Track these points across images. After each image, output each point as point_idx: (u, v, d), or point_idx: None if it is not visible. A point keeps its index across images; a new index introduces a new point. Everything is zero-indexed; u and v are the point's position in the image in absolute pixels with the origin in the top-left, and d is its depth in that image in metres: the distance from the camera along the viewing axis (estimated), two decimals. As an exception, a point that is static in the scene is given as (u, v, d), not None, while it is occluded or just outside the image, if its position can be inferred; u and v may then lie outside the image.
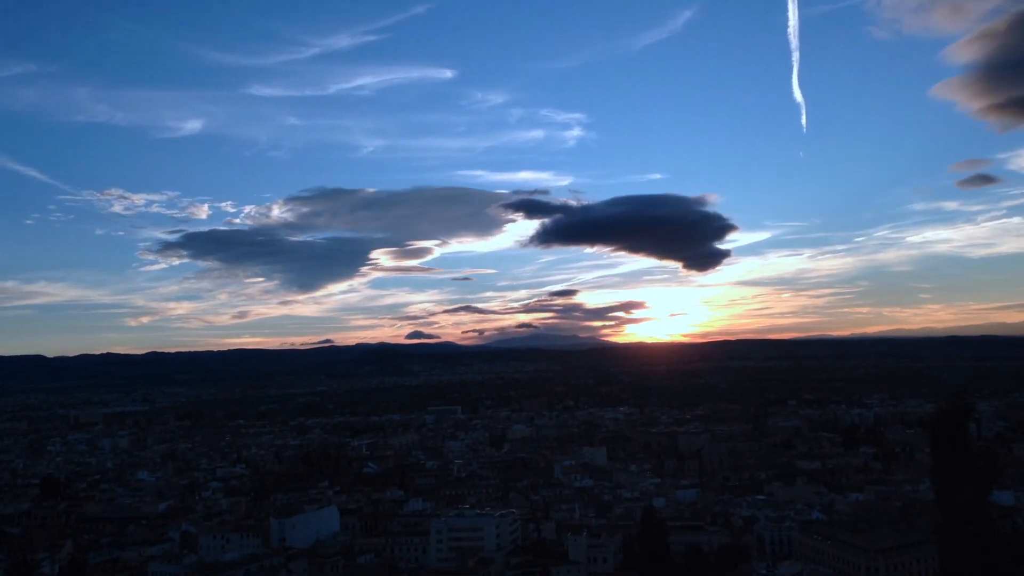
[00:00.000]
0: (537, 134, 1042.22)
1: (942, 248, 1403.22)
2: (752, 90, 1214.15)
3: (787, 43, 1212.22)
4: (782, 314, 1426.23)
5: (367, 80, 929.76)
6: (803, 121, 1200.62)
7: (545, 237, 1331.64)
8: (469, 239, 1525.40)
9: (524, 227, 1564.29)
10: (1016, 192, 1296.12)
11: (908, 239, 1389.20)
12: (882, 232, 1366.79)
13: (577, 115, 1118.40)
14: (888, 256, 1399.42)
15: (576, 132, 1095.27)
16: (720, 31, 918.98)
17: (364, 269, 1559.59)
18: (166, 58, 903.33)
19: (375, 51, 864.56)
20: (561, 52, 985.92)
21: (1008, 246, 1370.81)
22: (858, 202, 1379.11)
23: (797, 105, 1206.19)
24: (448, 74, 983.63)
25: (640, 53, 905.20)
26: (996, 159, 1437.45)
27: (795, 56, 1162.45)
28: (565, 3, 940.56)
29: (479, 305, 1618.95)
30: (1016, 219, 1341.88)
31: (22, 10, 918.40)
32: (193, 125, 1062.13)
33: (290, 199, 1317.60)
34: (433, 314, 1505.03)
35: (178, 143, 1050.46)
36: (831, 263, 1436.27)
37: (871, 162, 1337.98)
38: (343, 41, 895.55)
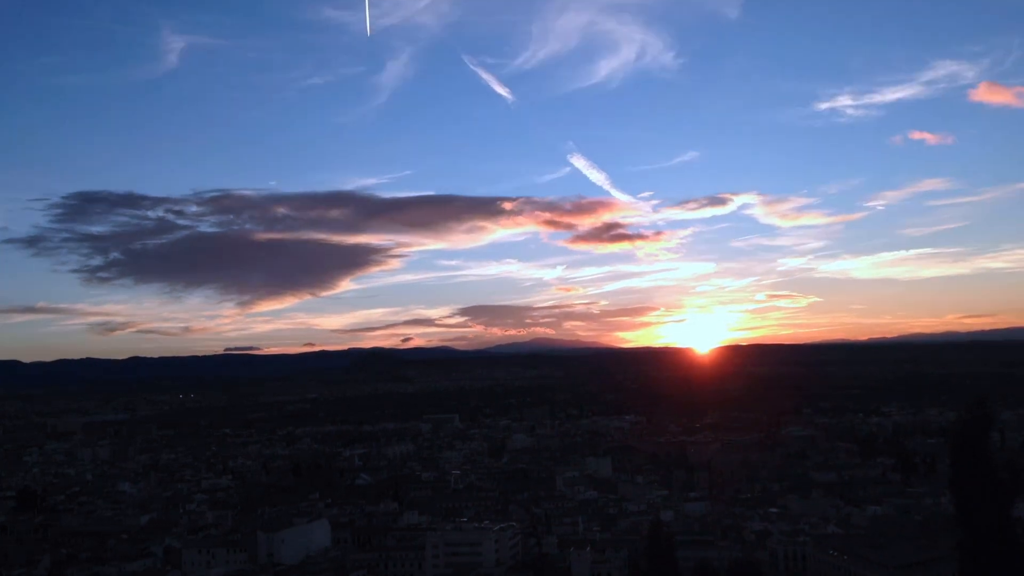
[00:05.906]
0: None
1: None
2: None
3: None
4: (792, 319, 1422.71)
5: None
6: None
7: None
8: (463, 240, 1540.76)
9: (516, 230, 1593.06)
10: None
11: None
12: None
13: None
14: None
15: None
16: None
17: (361, 271, 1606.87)
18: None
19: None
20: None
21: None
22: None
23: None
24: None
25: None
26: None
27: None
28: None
29: (479, 307, 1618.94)
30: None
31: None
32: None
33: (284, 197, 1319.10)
34: (431, 318, 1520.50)
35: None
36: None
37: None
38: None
